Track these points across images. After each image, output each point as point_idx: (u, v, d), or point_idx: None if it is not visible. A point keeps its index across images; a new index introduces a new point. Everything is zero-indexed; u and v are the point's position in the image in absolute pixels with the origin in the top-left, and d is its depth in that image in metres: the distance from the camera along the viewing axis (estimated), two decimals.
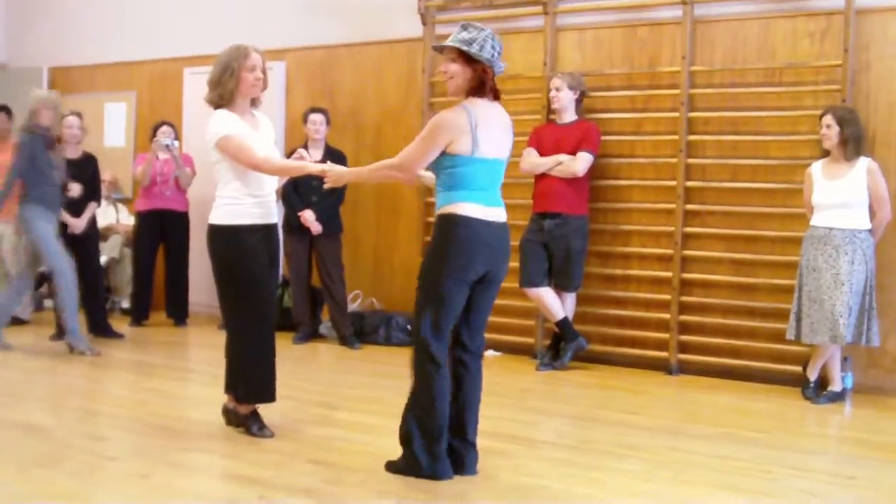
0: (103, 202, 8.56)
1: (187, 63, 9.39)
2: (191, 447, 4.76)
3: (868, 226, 6.08)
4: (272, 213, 4.87)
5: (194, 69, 9.28)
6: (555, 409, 5.85)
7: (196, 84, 9.23)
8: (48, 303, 8.72)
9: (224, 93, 4.75)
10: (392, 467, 4.30)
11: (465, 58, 4.20)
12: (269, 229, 4.83)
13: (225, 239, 4.73)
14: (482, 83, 4.23)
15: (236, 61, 4.74)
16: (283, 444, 4.77)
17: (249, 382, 4.85)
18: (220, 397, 5.13)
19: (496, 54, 4.21)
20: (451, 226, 4.15)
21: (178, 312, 8.70)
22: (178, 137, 8.56)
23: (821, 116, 6.16)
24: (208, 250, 4.81)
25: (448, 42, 4.25)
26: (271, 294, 4.93)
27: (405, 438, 4.26)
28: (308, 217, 7.66)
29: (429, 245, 4.29)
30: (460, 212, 4.14)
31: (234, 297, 4.79)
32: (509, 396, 5.97)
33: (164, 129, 8.48)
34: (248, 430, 4.89)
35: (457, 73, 4.24)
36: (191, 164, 8.63)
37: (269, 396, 4.89)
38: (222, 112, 4.74)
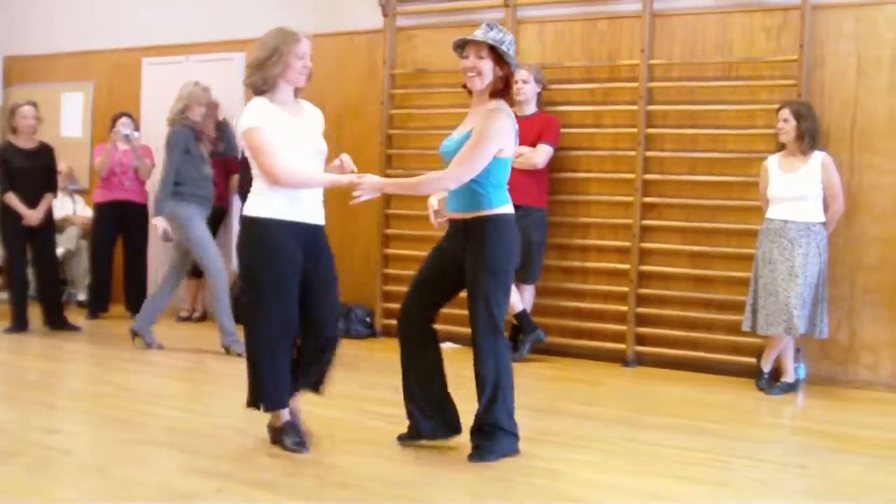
0: (59, 193, 8.46)
1: (146, 53, 9.32)
2: (148, 440, 4.73)
3: (822, 219, 6.17)
4: (310, 212, 4.47)
5: (153, 59, 9.22)
6: None
7: (155, 74, 9.19)
8: (2, 295, 8.61)
9: (268, 77, 4.35)
10: (489, 454, 4.39)
11: (496, 57, 4.30)
12: (304, 228, 4.42)
13: (250, 231, 4.42)
14: (507, 85, 4.37)
15: (285, 45, 4.35)
16: (241, 437, 4.75)
17: (257, 385, 4.48)
18: (177, 389, 5.11)
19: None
20: (509, 226, 4.39)
21: (137, 305, 8.56)
22: (137, 128, 8.50)
23: (778, 110, 6.23)
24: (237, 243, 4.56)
25: (478, 37, 4.29)
26: (293, 298, 4.43)
27: (501, 417, 4.44)
28: None
29: (491, 244, 4.34)
30: (509, 211, 4.40)
31: (251, 294, 4.43)
32: (467, 388, 5.93)
33: (124, 119, 8.43)
34: (281, 445, 4.48)
35: (486, 70, 4.31)
36: (150, 156, 8.57)
37: (282, 402, 4.52)
38: (258, 101, 4.37)
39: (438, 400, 4.62)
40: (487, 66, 4.29)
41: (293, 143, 4.37)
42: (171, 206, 6.94)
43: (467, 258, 4.39)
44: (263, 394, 4.47)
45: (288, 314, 4.41)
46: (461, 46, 4.36)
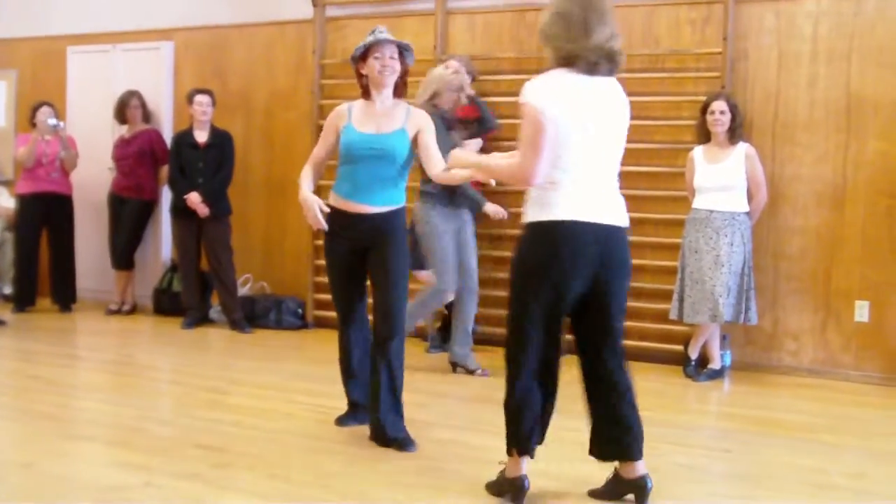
0: None
1: (71, 41, 9.14)
2: (76, 435, 4.68)
3: (746, 208, 6.30)
4: None
5: (78, 48, 9.05)
6: (444, 391, 5.92)
7: (80, 63, 9.02)
8: None
9: None
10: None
11: (401, 58, 4.54)
12: None
13: None
14: (405, 83, 4.63)
15: None
16: (171, 430, 4.73)
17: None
18: (104, 383, 5.05)
19: None
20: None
21: (64, 298, 8.50)
22: (58, 117, 8.34)
23: (710, 102, 6.31)
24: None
25: (391, 39, 4.47)
26: None
27: None
28: (194, 199, 7.56)
29: (403, 233, 4.65)
30: None
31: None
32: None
33: (45, 109, 8.27)
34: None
35: (397, 69, 4.51)
36: (74, 146, 8.43)
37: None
38: None
39: None
40: (398, 65, 4.51)
41: None
42: (417, 205, 6.23)
43: (381, 250, 4.52)
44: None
45: None
46: (367, 49, 4.49)
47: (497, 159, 3.90)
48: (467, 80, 6.41)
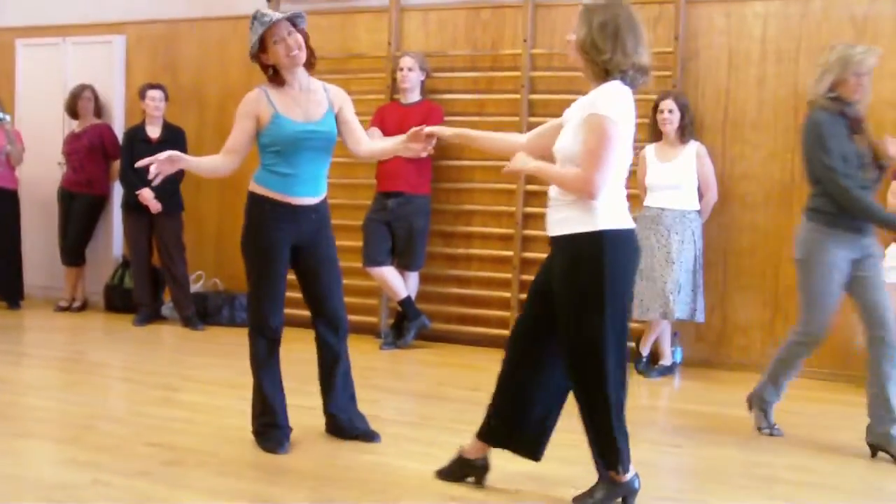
0: None
1: (20, 34, 9.01)
2: (23, 433, 4.62)
3: (697, 207, 6.37)
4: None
5: (28, 40, 8.93)
6: (397, 387, 5.93)
7: (30, 57, 8.90)
8: None
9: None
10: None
11: (296, 27, 4.27)
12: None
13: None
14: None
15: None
16: (121, 427, 4.69)
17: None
18: (53, 380, 4.99)
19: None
20: None
21: (11, 294, 8.37)
22: (4, 111, 8.20)
23: (659, 101, 6.37)
24: (599, 267, 3.61)
25: (279, 17, 4.21)
26: None
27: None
28: (146, 195, 7.49)
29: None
30: None
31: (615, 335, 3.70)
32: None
33: None
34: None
35: (302, 45, 4.26)
36: (20, 141, 8.30)
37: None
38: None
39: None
40: (299, 37, 4.23)
41: None
42: (805, 225, 4.73)
43: (322, 246, 4.44)
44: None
45: None
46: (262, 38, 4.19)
47: (556, 168, 3.76)
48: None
